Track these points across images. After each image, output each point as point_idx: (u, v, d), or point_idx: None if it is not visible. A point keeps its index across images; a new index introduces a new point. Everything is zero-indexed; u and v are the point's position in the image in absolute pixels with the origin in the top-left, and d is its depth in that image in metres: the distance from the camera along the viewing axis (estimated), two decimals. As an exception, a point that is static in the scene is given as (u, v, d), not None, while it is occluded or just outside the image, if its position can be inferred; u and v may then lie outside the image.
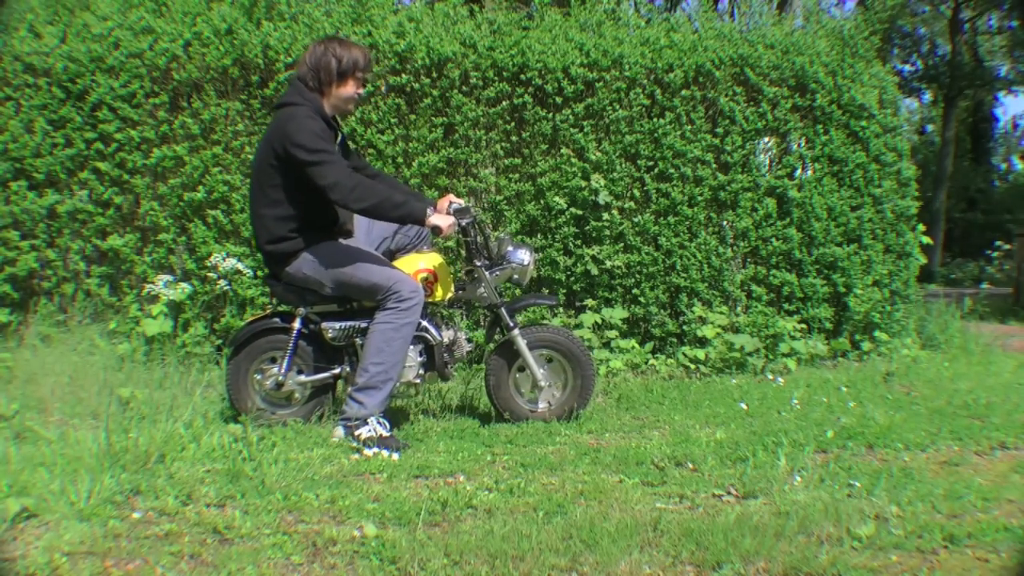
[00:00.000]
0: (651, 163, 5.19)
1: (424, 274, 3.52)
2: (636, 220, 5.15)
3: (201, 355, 4.64)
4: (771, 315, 5.19)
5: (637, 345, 5.05)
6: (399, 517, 2.49)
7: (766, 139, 5.43)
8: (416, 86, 4.98)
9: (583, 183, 5.04)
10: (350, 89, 3.40)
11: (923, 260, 5.85)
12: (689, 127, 5.22)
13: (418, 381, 3.54)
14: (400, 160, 4.98)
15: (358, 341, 3.49)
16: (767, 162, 5.47)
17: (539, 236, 5.10)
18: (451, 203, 3.56)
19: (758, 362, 4.96)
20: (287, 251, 3.37)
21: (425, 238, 3.77)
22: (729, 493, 2.78)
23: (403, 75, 4.99)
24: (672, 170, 5.17)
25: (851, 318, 5.39)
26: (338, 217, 3.49)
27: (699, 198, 5.21)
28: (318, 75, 3.36)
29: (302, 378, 3.57)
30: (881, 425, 3.59)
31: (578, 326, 4.94)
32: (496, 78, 5.06)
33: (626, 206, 5.18)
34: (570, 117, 5.10)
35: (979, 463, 3.20)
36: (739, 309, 5.33)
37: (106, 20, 5.12)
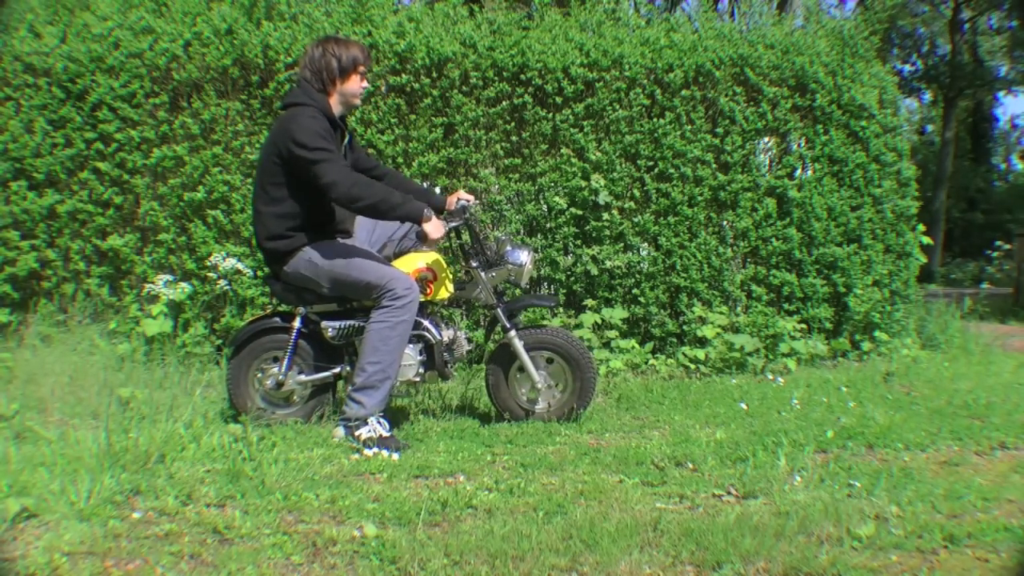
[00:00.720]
0: (651, 163, 5.19)
1: (423, 273, 3.52)
2: (636, 220, 5.16)
3: (201, 355, 4.65)
4: (771, 315, 5.19)
5: (637, 345, 5.05)
6: (399, 517, 2.49)
7: (766, 139, 5.43)
8: (416, 86, 4.99)
9: (583, 183, 5.04)
10: (355, 84, 3.43)
11: (923, 260, 5.85)
12: (689, 127, 5.22)
13: (418, 380, 3.54)
14: (400, 160, 4.98)
15: (357, 340, 3.48)
16: (767, 162, 5.47)
17: (539, 236, 5.10)
18: (459, 200, 3.58)
19: (758, 362, 4.96)
20: (285, 249, 3.38)
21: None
22: (729, 493, 2.77)
23: (403, 75, 4.99)
24: (672, 170, 5.17)
25: (851, 318, 5.39)
26: (336, 216, 3.49)
27: (699, 198, 5.20)
28: (321, 76, 3.38)
29: (302, 378, 3.57)
30: (881, 425, 3.59)
31: (578, 326, 4.93)
32: (496, 78, 5.06)
33: (626, 206, 5.18)
34: (570, 117, 5.10)
35: (979, 463, 3.20)
36: (739, 309, 5.33)
37: (106, 20, 5.12)
